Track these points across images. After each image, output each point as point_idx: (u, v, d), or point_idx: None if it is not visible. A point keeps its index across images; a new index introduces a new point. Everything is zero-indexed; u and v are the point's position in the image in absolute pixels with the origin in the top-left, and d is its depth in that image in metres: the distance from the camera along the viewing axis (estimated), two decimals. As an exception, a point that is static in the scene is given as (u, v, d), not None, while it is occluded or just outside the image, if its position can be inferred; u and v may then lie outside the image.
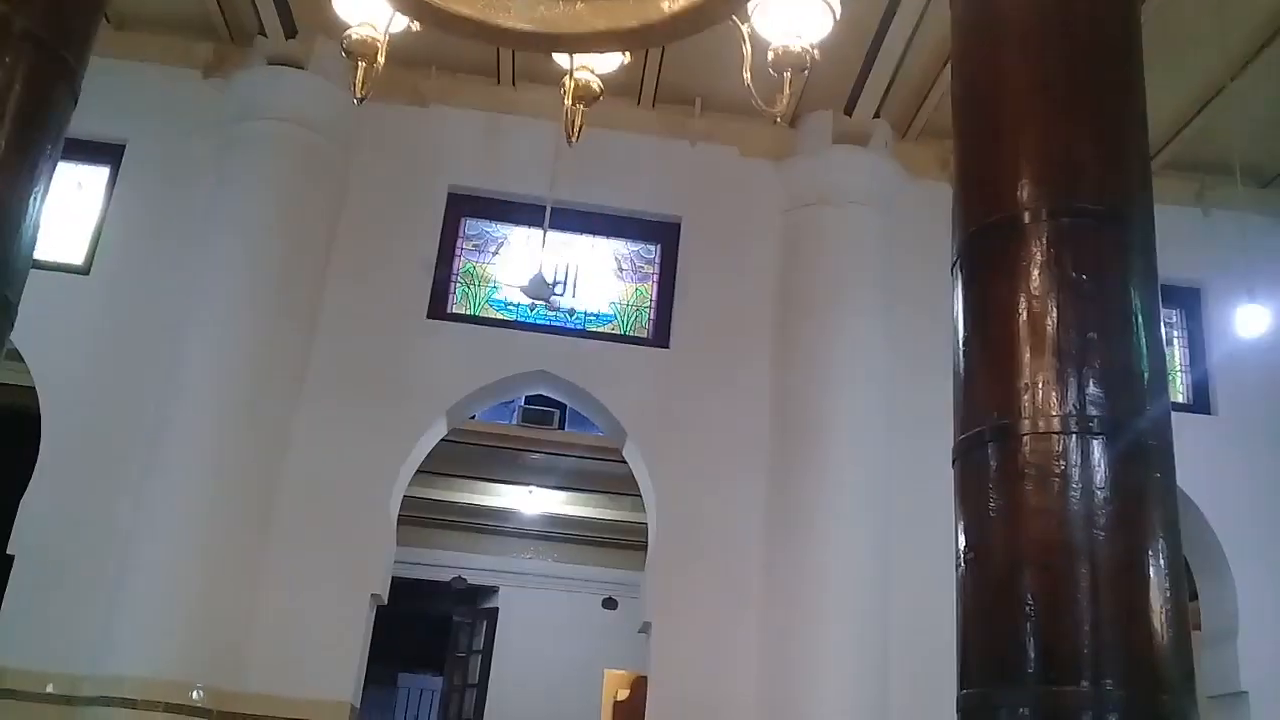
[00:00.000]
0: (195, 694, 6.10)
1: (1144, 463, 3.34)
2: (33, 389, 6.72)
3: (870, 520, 6.87)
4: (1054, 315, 3.18)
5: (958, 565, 3.99)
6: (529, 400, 9.67)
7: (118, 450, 6.59)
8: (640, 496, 7.61)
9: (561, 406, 9.56)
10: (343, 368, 7.06)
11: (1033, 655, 3.63)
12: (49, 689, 6.14)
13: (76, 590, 6.32)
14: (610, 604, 11.22)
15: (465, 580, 11.74)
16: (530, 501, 10.62)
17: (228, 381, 6.64)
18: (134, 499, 6.42)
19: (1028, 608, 3.58)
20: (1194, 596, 7.23)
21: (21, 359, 6.59)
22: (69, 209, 7.16)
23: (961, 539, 3.96)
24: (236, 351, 6.70)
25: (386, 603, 7.09)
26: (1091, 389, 3.27)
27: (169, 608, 6.17)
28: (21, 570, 6.40)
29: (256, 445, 6.69)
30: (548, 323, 7.52)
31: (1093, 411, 3.29)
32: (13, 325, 2.75)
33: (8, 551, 6.42)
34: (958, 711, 3.98)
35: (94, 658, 6.10)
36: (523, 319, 7.50)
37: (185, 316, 6.77)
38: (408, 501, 7.49)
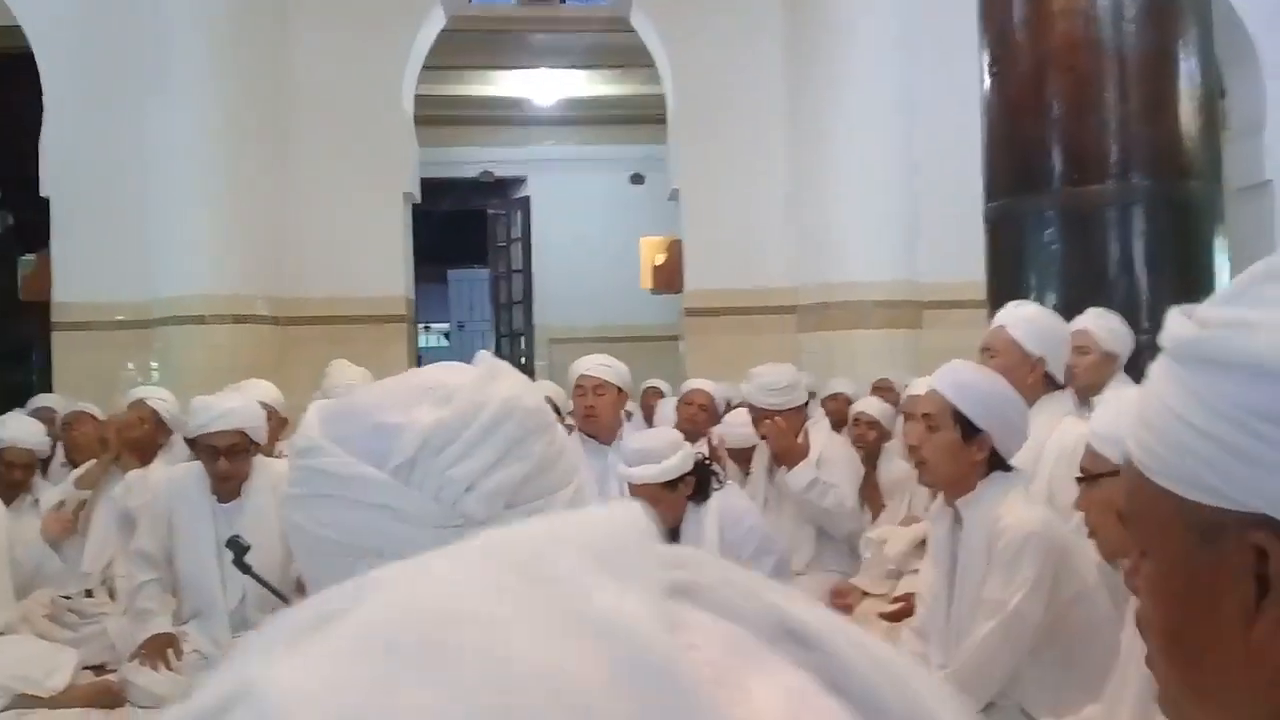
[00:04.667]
0: (259, 304, 6.42)
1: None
2: (16, 28, 6.48)
3: (893, 59, 6.69)
4: None
5: (981, 81, 3.93)
6: (526, -25, 9.24)
7: (120, 80, 6.43)
8: (655, 67, 7.45)
9: (561, -21, 9.12)
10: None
11: (1057, 159, 3.67)
12: (119, 318, 6.47)
13: (117, 221, 6.43)
14: (638, 179, 11.29)
15: (493, 174, 11.81)
16: (544, 86, 10.41)
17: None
18: (148, 126, 6.36)
19: (1053, 112, 3.57)
20: (1223, 94, 7.11)
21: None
22: None
23: (986, 53, 3.86)
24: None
25: (420, 200, 7.23)
26: None
27: (211, 227, 6.30)
28: (60, 209, 6.52)
29: (256, 58, 6.55)
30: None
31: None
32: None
33: (41, 194, 6.50)
34: (985, 224, 4.10)
35: (153, 283, 6.36)
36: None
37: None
38: (423, 100, 7.40)
